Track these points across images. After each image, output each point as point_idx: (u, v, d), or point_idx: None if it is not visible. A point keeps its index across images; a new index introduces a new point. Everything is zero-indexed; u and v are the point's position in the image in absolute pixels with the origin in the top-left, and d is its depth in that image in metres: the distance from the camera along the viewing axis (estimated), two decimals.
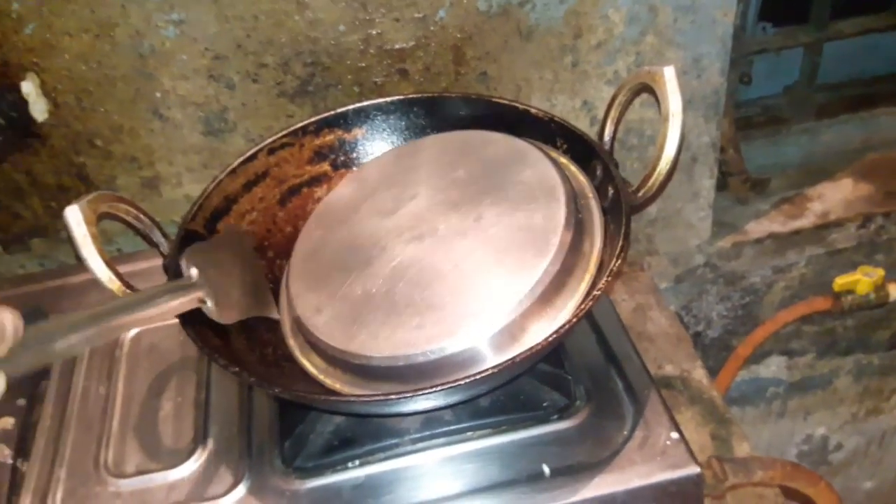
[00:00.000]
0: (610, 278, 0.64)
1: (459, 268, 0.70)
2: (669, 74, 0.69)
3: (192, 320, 0.66)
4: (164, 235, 0.73)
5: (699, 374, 1.00)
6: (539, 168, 0.75)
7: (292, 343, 0.75)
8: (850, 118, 1.22)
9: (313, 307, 0.72)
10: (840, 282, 1.16)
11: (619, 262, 0.65)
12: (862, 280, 1.15)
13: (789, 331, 1.25)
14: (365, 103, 0.85)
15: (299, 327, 0.73)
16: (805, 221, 1.16)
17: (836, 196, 1.20)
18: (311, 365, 0.73)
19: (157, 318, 0.61)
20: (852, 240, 1.18)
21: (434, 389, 0.60)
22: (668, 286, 1.15)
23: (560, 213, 0.70)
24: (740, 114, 1.19)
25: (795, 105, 1.22)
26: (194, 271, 0.66)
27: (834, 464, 1.49)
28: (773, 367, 1.32)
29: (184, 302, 0.64)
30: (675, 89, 0.69)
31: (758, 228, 1.15)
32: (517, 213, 0.72)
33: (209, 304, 0.66)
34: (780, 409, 1.38)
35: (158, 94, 0.86)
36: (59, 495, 0.72)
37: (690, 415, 0.96)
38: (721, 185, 1.13)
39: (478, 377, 0.60)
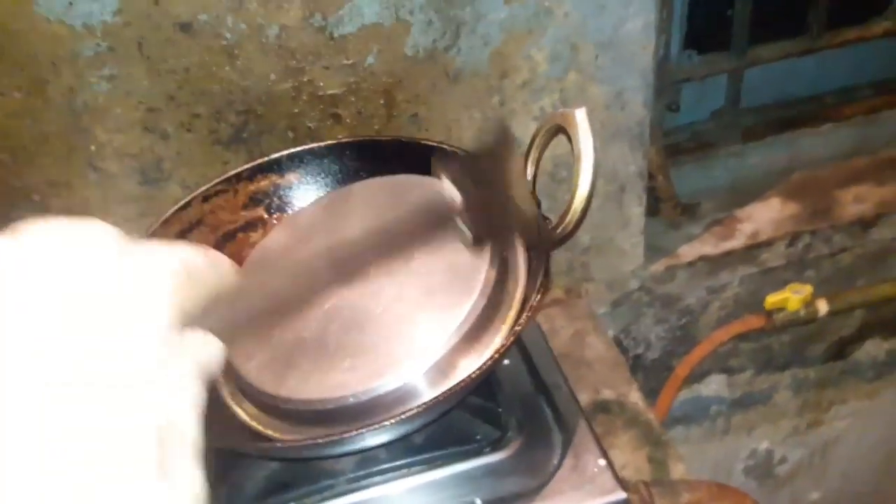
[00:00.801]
0: (530, 314, 0.67)
1: (389, 309, 0.72)
2: (580, 117, 0.73)
3: None
4: None
5: (635, 396, 1.03)
6: None
7: (224, 390, 0.77)
8: (775, 140, 1.27)
9: (245, 353, 0.74)
10: (771, 300, 1.20)
11: (539, 297, 0.68)
12: (791, 297, 1.19)
13: (727, 349, 1.29)
14: (298, 149, 0.87)
15: (230, 373, 0.75)
16: (736, 242, 1.20)
17: (764, 216, 1.24)
18: (243, 412, 0.74)
19: None
20: (782, 258, 1.23)
21: (360, 432, 0.62)
22: (606, 311, 1.18)
23: (485, 252, 0.73)
24: (670, 140, 1.23)
25: (722, 129, 1.26)
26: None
27: (780, 476, 1.53)
28: (714, 385, 1.36)
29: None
30: (587, 130, 0.72)
31: (690, 251, 1.19)
32: (444, 254, 0.74)
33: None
34: (724, 426, 1.42)
35: (93, 147, 0.87)
36: None
37: (627, 438, 0.99)
38: (653, 211, 1.17)
39: (405, 416, 0.62)
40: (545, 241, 0.72)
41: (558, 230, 0.73)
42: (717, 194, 1.26)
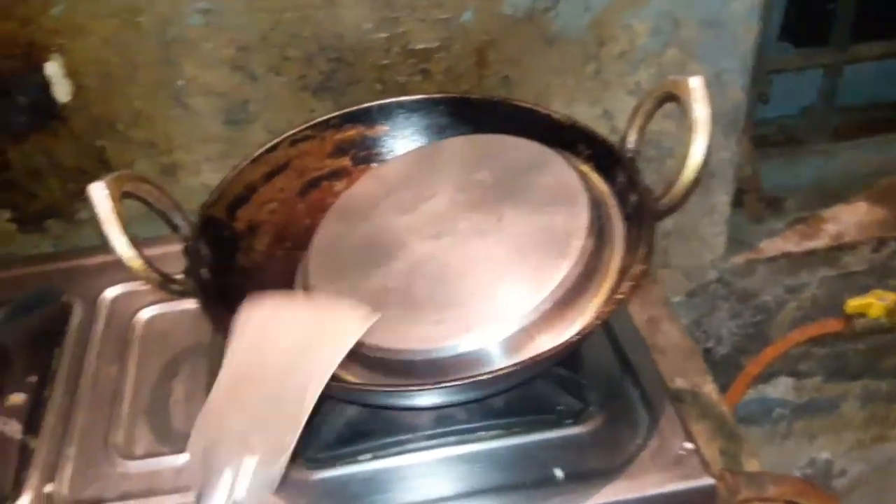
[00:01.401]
0: (633, 283, 0.64)
1: (479, 266, 0.70)
2: (696, 83, 0.69)
3: (213, 305, 0.66)
4: (186, 219, 0.72)
5: (709, 388, 0.99)
6: (561, 173, 0.75)
7: None
8: (867, 142, 1.22)
9: (331, 299, 0.72)
10: (853, 304, 1.16)
11: (644, 266, 0.65)
12: (875, 304, 1.15)
13: (799, 352, 1.25)
14: (390, 100, 0.85)
15: None
16: (819, 242, 1.16)
17: (850, 219, 1.20)
18: None
19: None
20: (865, 263, 1.18)
21: (454, 383, 0.60)
22: (680, 300, 1.14)
23: (582, 217, 0.70)
24: (757, 132, 1.19)
25: (812, 126, 1.22)
26: None
27: (837, 489, 1.48)
28: (781, 387, 1.31)
29: None
30: (703, 98, 0.69)
31: (772, 247, 1.15)
32: (539, 216, 0.72)
33: None
34: (786, 430, 1.38)
35: (181, 82, 0.86)
36: (67, 472, 0.71)
37: (700, 429, 0.96)
38: (736, 203, 1.13)
39: (498, 373, 0.60)
40: (649, 211, 0.69)
41: (664, 200, 0.70)
42: (802, 192, 1.21)
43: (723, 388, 1.22)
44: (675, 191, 0.70)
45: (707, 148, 0.69)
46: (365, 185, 0.82)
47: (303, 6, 0.83)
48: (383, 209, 0.78)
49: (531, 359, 0.61)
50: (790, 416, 1.35)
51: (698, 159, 0.69)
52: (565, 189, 0.73)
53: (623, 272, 0.69)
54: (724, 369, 1.24)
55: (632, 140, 0.79)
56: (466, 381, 0.60)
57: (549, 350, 0.61)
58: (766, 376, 1.27)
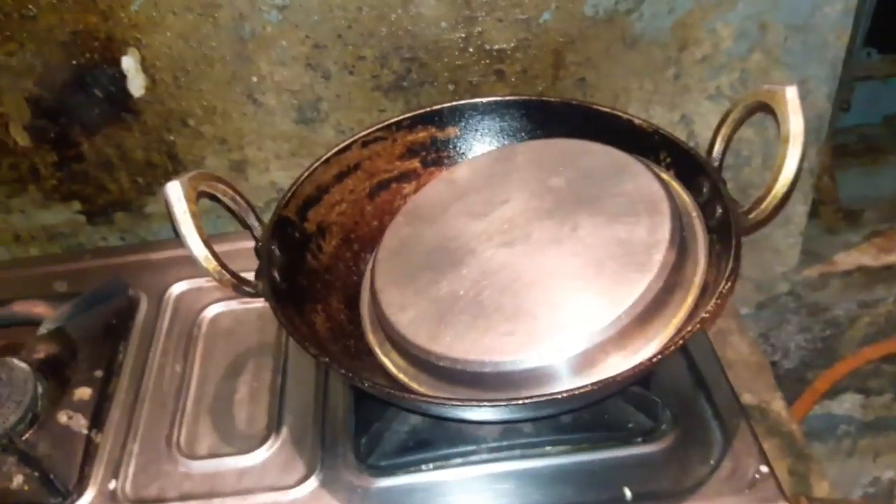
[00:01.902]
0: (720, 301, 0.61)
1: (553, 277, 0.68)
2: (791, 94, 0.67)
3: (280, 303, 0.66)
4: (258, 219, 0.72)
5: (778, 405, 0.96)
6: (641, 181, 0.72)
7: (372, 338, 0.74)
8: None
9: (398, 304, 0.71)
10: None
11: (730, 284, 0.62)
12: None
13: (868, 369, 1.21)
14: (461, 102, 0.84)
15: (382, 323, 0.72)
16: None
17: None
18: (390, 362, 0.72)
19: None
20: None
21: (528, 401, 0.58)
22: (749, 312, 1.11)
23: (664, 228, 0.67)
24: (836, 141, 1.15)
25: (894, 136, 1.17)
26: None
27: None
28: (848, 404, 1.27)
29: None
30: (797, 110, 0.66)
31: (847, 260, 1.11)
32: (617, 226, 0.69)
33: None
34: (850, 447, 1.33)
35: (255, 79, 0.85)
36: (131, 469, 0.72)
37: (768, 447, 0.92)
38: (812, 213, 1.09)
39: (576, 393, 0.58)
40: (737, 225, 0.66)
41: (752, 214, 0.67)
42: (881, 203, 1.17)
43: (788, 403, 1.19)
44: (766, 204, 0.68)
45: (801, 161, 0.66)
46: (435, 189, 0.81)
47: (380, 5, 0.82)
48: (454, 213, 0.77)
49: (604, 380, 0.59)
50: (855, 433, 1.31)
51: (791, 173, 0.66)
52: (647, 198, 0.70)
53: (705, 288, 0.67)
54: (789, 384, 1.20)
55: (718, 150, 0.76)
56: (537, 399, 0.59)
57: (626, 372, 0.59)
58: (834, 392, 1.23)
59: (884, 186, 1.17)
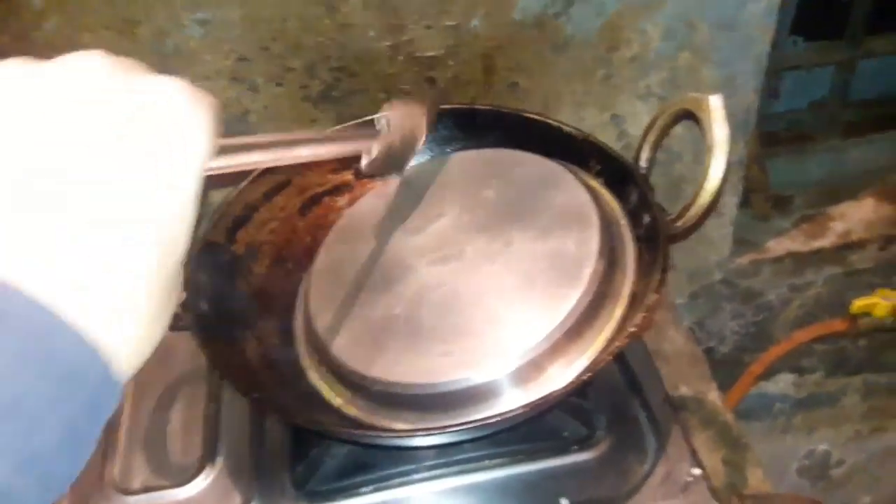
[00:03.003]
0: (647, 313, 0.62)
1: (487, 294, 0.68)
2: (716, 103, 0.67)
3: (208, 336, 0.65)
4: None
5: (713, 395, 0.98)
6: (571, 193, 0.73)
7: (307, 362, 0.73)
8: (878, 138, 1.20)
9: (333, 327, 0.70)
10: (858, 304, 1.15)
11: (657, 296, 0.63)
12: (880, 303, 1.14)
13: (801, 349, 1.24)
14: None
15: (317, 347, 0.71)
16: (825, 241, 1.15)
17: (857, 216, 1.18)
18: (326, 386, 0.71)
19: (334, 149, 0.60)
20: (871, 261, 1.17)
21: (459, 428, 0.59)
22: (683, 302, 1.13)
23: (593, 241, 0.68)
24: (765, 128, 1.17)
25: (822, 122, 1.19)
26: (384, 123, 0.69)
27: (834, 479, 1.49)
28: (782, 383, 1.31)
29: (361, 142, 0.67)
30: (722, 118, 0.67)
31: (778, 246, 1.14)
32: (548, 240, 0.70)
33: (372, 155, 0.68)
34: (785, 424, 1.38)
35: None
36: None
37: (704, 438, 0.95)
38: (742, 202, 1.11)
39: (509, 415, 0.59)
40: (663, 233, 0.67)
41: (678, 223, 0.68)
42: (810, 189, 1.20)
43: (725, 387, 1.22)
44: (692, 212, 0.69)
45: (725, 170, 0.67)
46: (368, 204, 0.80)
47: (306, 16, 0.80)
48: (387, 230, 0.77)
49: (540, 400, 0.60)
50: (790, 411, 1.35)
51: (716, 182, 0.67)
52: (576, 210, 0.71)
53: (634, 297, 0.68)
54: (725, 368, 1.23)
55: (646, 156, 0.77)
56: (471, 425, 0.60)
57: (560, 390, 0.61)
58: (768, 373, 1.27)
59: (812, 172, 1.20)
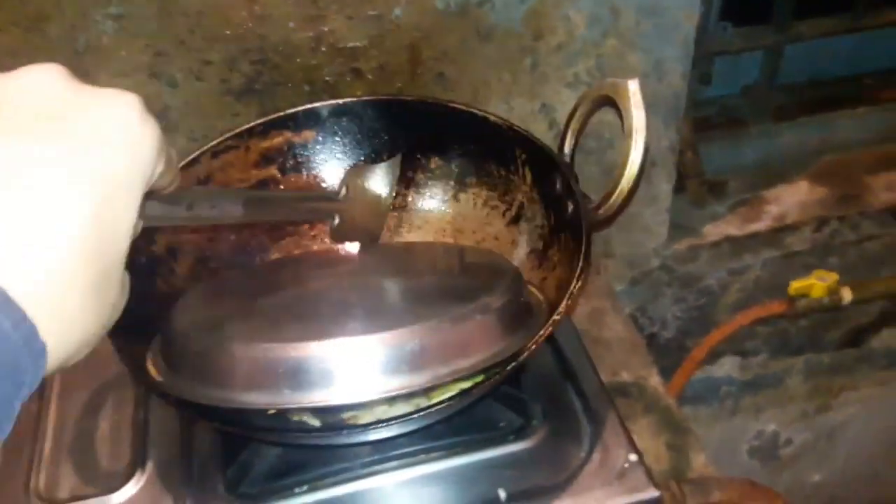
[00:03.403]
0: (570, 301, 0.62)
1: (391, 292, 0.68)
2: (633, 88, 0.67)
3: (124, 340, 0.62)
4: None
5: (655, 381, 0.98)
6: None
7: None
8: (808, 120, 1.21)
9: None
10: (795, 286, 1.16)
11: (580, 283, 0.63)
12: (816, 284, 1.15)
13: (743, 332, 1.25)
14: (316, 104, 0.82)
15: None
16: (761, 224, 1.16)
17: (792, 199, 1.19)
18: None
19: (294, 215, 0.69)
20: (807, 243, 1.18)
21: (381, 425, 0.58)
22: (623, 288, 1.13)
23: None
24: (698, 113, 1.18)
25: (754, 106, 1.20)
26: (345, 190, 0.76)
27: (784, 458, 1.50)
28: (727, 366, 1.32)
29: (323, 210, 0.74)
30: (640, 104, 0.66)
31: (714, 231, 1.14)
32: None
33: (335, 222, 0.75)
34: (733, 407, 1.39)
35: None
36: None
37: (646, 423, 0.95)
38: (678, 188, 1.12)
39: (433, 409, 0.57)
40: (585, 220, 0.66)
41: (601, 210, 0.68)
42: (744, 173, 1.20)
43: (669, 372, 1.22)
44: (613, 200, 0.68)
45: (644, 156, 0.67)
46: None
47: (222, 7, 0.78)
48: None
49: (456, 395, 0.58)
50: (736, 393, 1.37)
51: (636, 167, 0.67)
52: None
53: (560, 286, 0.68)
54: (669, 353, 1.24)
55: (569, 144, 0.77)
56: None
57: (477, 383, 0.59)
58: (713, 357, 1.28)
59: (745, 156, 1.21)
